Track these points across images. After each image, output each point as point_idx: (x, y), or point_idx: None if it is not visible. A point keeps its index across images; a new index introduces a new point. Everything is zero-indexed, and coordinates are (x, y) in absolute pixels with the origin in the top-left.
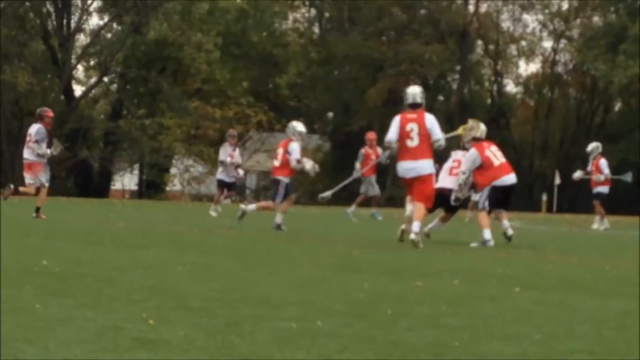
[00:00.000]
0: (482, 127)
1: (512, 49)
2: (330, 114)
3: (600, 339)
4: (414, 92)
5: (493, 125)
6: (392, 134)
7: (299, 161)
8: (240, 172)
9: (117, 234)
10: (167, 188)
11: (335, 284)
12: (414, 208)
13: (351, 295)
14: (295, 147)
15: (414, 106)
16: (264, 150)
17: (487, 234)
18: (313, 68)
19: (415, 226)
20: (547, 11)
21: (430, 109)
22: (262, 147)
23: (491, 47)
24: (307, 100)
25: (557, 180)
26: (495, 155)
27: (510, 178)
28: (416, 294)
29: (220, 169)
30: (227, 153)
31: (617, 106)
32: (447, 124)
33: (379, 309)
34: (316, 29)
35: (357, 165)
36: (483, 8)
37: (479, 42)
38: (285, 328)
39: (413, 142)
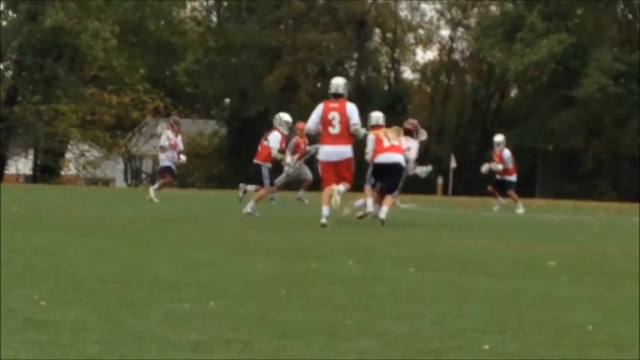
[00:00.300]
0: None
1: (410, 37)
2: (227, 100)
3: (492, 318)
4: (337, 83)
5: (390, 111)
6: (312, 122)
7: (279, 151)
8: (183, 157)
9: (10, 217)
10: (62, 172)
11: (229, 266)
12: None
13: (245, 277)
14: (276, 137)
15: (337, 96)
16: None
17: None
18: (210, 55)
19: (325, 210)
20: (444, 0)
21: (326, 96)
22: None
23: (389, 35)
24: (204, 87)
25: (453, 164)
26: (387, 137)
27: (390, 157)
28: (310, 275)
29: (163, 156)
30: (169, 139)
31: (513, 93)
32: None
33: (273, 289)
34: (214, 18)
35: (288, 158)
36: None
37: (377, 30)
38: (179, 308)
39: (335, 129)
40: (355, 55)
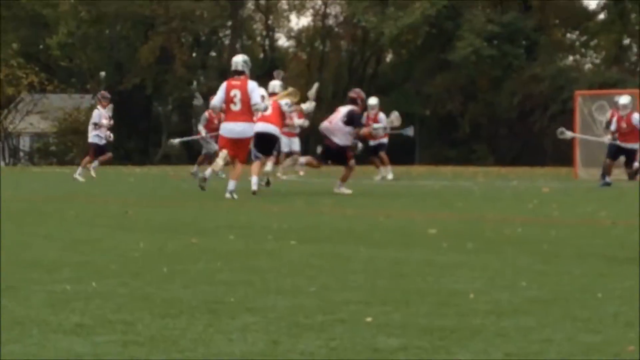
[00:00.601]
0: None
1: (283, 4)
2: (103, 73)
3: (374, 289)
4: (237, 60)
5: (267, 79)
6: (217, 99)
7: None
8: (110, 134)
9: None
10: None
11: (110, 244)
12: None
13: (127, 255)
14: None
15: (238, 73)
16: (37, 112)
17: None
18: (83, 28)
19: (231, 184)
20: None
21: (203, 66)
22: (34, 108)
23: (262, 2)
24: (79, 60)
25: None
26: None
27: (259, 126)
28: (192, 250)
29: (93, 132)
30: (101, 115)
31: (389, 57)
32: (221, 78)
33: (154, 267)
34: None
35: (201, 128)
36: None
37: None
38: (60, 290)
39: (236, 107)
40: (229, 23)
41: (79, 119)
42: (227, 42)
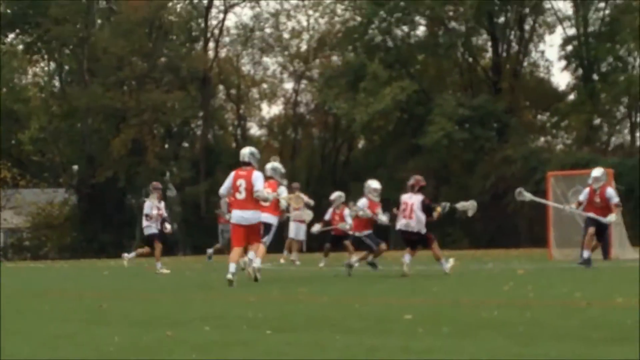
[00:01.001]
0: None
1: (254, 92)
2: (75, 167)
3: None
4: (244, 152)
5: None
6: (224, 188)
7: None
8: (168, 226)
9: None
10: None
11: (85, 339)
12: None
13: (101, 349)
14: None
15: (245, 164)
16: (10, 208)
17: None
18: (55, 122)
19: (257, 262)
20: (286, 53)
21: (175, 157)
22: (7, 204)
23: (233, 91)
24: (51, 155)
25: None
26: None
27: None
28: (166, 343)
29: (146, 223)
30: (152, 206)
31: (361, 143)
32: (194, 169)
33: None
34: (57, 82)
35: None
36: (223, 53)
37: (221, 87)
38: None
39: (241, 195)
40: (201, 113)
41: (53, 214)
42: (199, 132)
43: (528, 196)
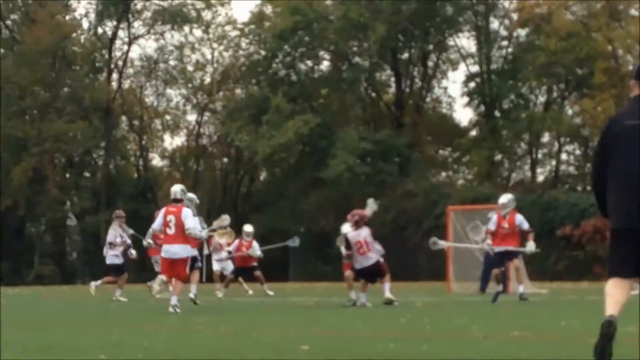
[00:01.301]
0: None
1: (157, 123)
2: None
3: None
4: (175, 190)
5: (140, 199)
6: (157, 223)
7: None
8: (133, 252)
9: None
10: None
11: None
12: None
13: None
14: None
15: (176, 201)
16: None
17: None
18: None
19: (174, 299)
20: (190, 85)
21: (76, 186)
22: None
23: (136, 122)
24: None
25: (206, 251)
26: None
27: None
28: None
29: (111, 252)
30: (116, 235)
31: (263, 176)
32: (94, 199)
33: None
34: None
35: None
36: (126, 84)
37: (124, 117)
38: None
39: (171, 230)
40: (103, 143)
41: None
42: (100, 162)
43: (443, 244)
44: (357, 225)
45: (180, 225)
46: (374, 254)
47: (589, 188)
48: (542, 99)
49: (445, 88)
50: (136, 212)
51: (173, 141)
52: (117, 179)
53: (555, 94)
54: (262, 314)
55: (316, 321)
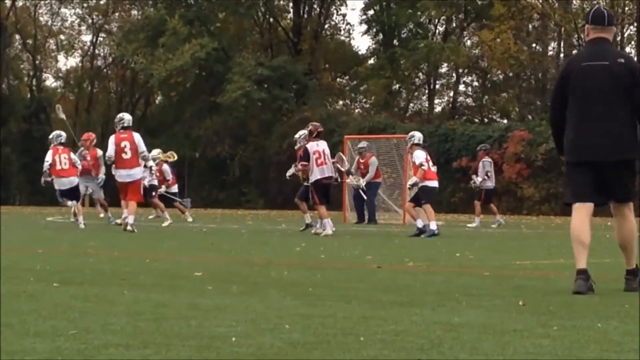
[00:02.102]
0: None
1: (51, 43)
2: None
3: (136, 332)
4: (128, 118)
5: (33, 120)
6: (110, 150)
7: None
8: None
9: None
10: None
11: None
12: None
13: None
14: None
15: (126, 128)
16: None
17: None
18: None
19: (131, 219)
20: (85, 5)
21: None
22: None
23: (29, 41)
24: None
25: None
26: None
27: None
28: None
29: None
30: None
31: (158, 99)
32: None
33: None
34: None
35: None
36: (20, 2)
37: (17, 36)
38: None
39: (127, 155)
40: None
41: None
42: None
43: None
44: (311, 135)
45: (135, 149)
46: (330, 169)
47: (486, 120)
48: (440, 29)
49: (344, 15)
50: (29, 132)
51: (67, 62)
52: (10, 98)
53: (454, 25)
54: (157, 240)
55: (210, 248)
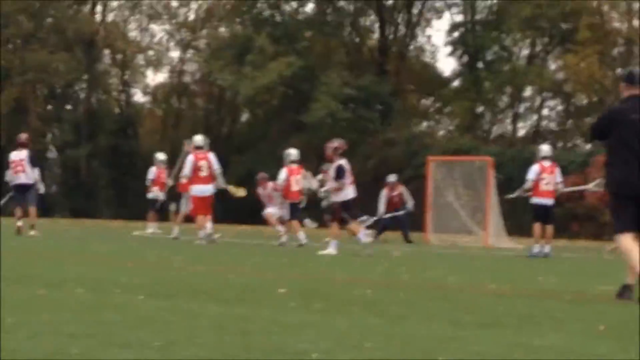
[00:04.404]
0: None
1: (140, 59)
2: None
3: (220, 345)
4: (201, 139)
5: (121, 135)
6: (187, 169)
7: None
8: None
9: None
10: None
11: None
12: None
13: None
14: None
15: (199, 148)
16: None
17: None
18: None
19: (202, 233)
20: (174, 21)
21: (59, 119)
22: None
23: (119, 56)
24: None
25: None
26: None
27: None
28: (38, 302)
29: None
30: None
31: (244, 117)
32: (76, 132)
33: None
34: None
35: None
36: (110, 17)
37: (107, 51)
38: None
39: (204, 173)
40: (85, 76)
41: None
42: (82, 95)
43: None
44: (336, 152)
45: (210, 168)
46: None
47: (569, 145)
48: (525, 52)
49: (429, 36)
50: (117, 147)
51: (155, 77)
52: (99, 113)
53: (538, 48)
54: (242, 256)
55: (294, 265)
